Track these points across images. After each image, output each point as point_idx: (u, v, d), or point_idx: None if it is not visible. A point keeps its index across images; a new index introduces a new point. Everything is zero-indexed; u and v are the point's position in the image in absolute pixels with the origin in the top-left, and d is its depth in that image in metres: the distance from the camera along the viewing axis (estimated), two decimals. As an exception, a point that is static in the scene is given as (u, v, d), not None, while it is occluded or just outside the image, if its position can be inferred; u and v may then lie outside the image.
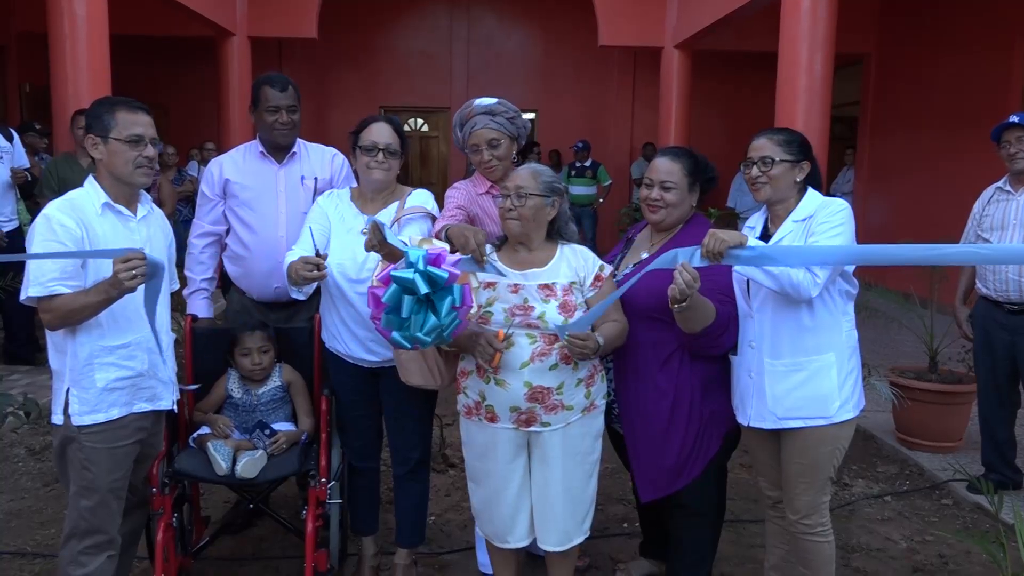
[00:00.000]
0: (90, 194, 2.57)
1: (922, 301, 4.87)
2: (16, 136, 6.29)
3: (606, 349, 2.69)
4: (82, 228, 2.47)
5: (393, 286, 2.41)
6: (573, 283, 2.72)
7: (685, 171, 2.84)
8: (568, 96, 13.81)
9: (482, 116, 3.05)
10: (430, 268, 2.38)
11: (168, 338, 2.76)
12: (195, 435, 3.11)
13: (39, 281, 2.43)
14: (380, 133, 3.01)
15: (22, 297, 2.48)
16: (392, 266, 2.48)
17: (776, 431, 2.70)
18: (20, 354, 6.20)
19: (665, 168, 2.85)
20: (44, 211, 2.51)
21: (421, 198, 3.10)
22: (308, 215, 3.14)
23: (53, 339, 2.57)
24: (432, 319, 2.42)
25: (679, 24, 10.22)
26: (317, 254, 2.74)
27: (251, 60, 10.45)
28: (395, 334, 2.46)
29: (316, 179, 3.38)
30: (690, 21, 9.72)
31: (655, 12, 10.56)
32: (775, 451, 2.77)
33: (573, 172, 11.99)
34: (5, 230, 5.84)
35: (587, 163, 12.00)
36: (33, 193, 6.09)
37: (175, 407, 2.79)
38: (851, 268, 2.63)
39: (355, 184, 3.42)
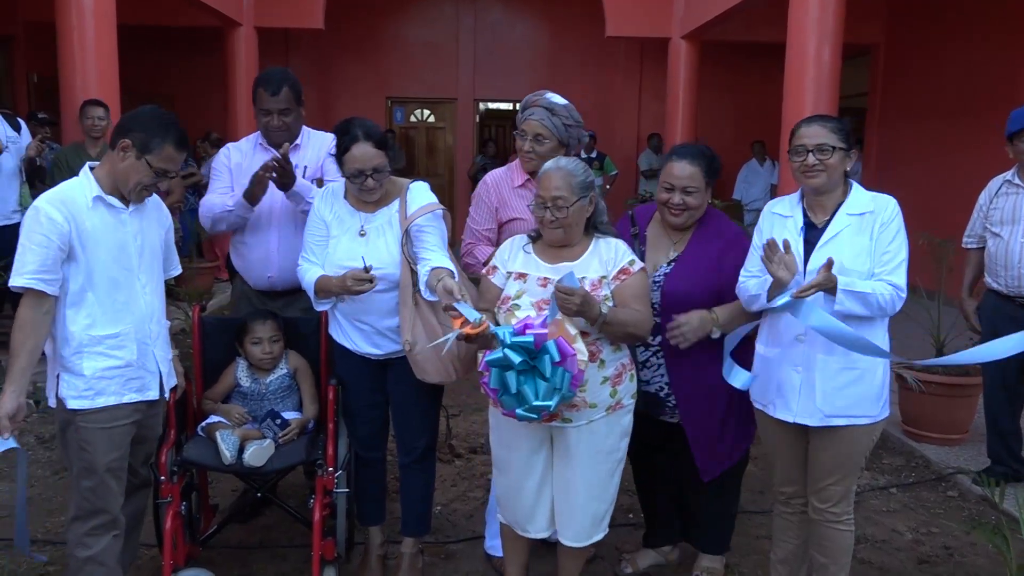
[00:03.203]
0: (83, 185, 2.57)
1: (929, 294, 4.87)
2: (24, 126, 6.31)
3: (612, 328, 2.62)
4: (70, 223, 2.50)
5: (493, 370, 2.50)
6: (603, 277, 2.69)
7: (703, 173, 2.89)
8: (575, 87, 13.70)
9: (542, 109, 3.05)
10: (515, 339, 2.45)
11: (159, 327, 2.76)
12: (203, 424, 3.13)
13: (20, 271, 2.47)
14: (363, 158, 2.86)
15: (9, 283, 2.52)
16: (487, 353, 2.55)
17: (804, 427, 2.69)
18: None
19: (687, 173, 2.87)
20: (35, 202, 2.55)
21: (422, 194, 3.04)
22: (307, 224, 3.10)
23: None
24: (542, 384, 2.47)
25: (686, 14, 10.17)
26: (366, 269, 2.79)
27: (258, 50, 10.44)
28: (519, 411, 2.51)
29: (305, 168, 3.37)
30: (697, 11, 9.68)
31: (662, 2, 10.52)
32: (802, 447, 2.75)
33: (580, 163, 11.94)
34: (11, 223, 5.82)
35: (593, 154, 11.96)
36: (42, 182, 6.11)
37: (165, 395, 2.79)
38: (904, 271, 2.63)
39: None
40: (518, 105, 3.21)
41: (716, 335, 2.84)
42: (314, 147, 3.47)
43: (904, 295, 2.59)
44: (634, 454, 3.18)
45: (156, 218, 2.78)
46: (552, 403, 2.48)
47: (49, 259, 2.47)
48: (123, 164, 2.56)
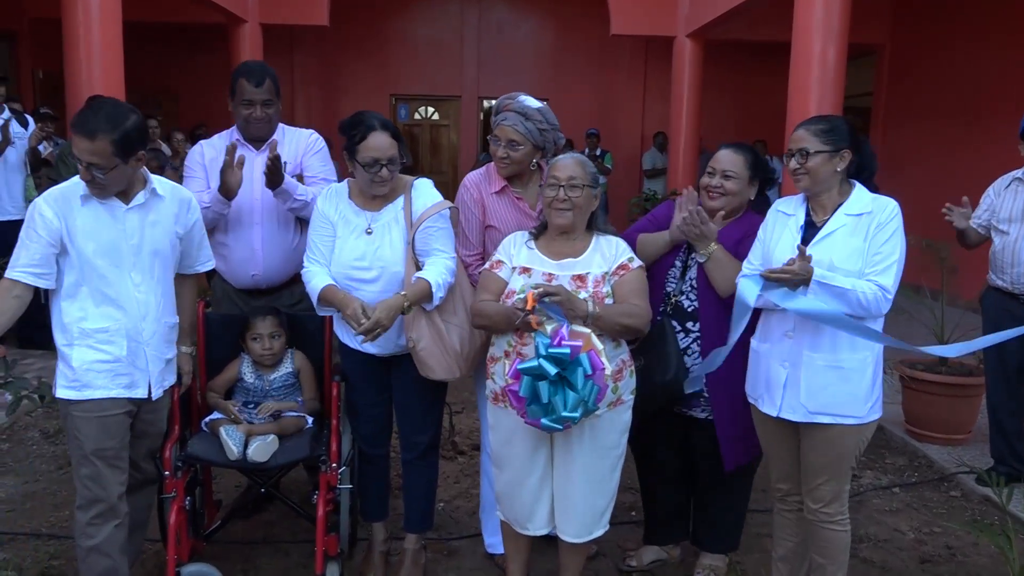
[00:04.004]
0: (80, 183, 2.60)
1: (932, 293, 4.87)
2: (31, 122, 6.34)
3: (605, 321, 2.64)
4: (61, 219, 2.56)
5: (525, 378, 2.50)
6: (605, 273, 2.73)
7: (746, 163, 2.94)
8: (579, 85, 13.76)
9: (514, 114, 3.03)
10: (551, 349, 2.46)
11: (155, 326, 2.73)
12: (207, 419, 3.14)
13: (13, 265, 2.56)
14: (379, 147, 2.85)
15: (5, 275, 2.59)
16: (517, 361, 2.56)
17: (795, 423, 2.70)
18: (34, 338, 6.25)
19: (728, 159, 2.94)
20: (36, 199, 2.64)
21: (427, 192, 3.03)
22: (310, 226, 3.08)
23: (50, 311, 2.66)
24: (572, 395, 2.48)
25: (691, 13, 10.17)
26: (364, 311, 2.79)
27: (263, 47, 10.46)
28: (544, 420, 2.52)
29: (285, 164, 3.33)
30: (702, 10, 9.67)
31: (667, 1, 10.51)
32: (794, 444, 2.76)
33: (583, 162, 11.93)
34: (15, 219, 5.83)
35: (597, 152, 11.96)
36: (41, 174, 6.15)
37: (154, 396, 2.76)
38: (899, 273, 2.61)
39: (325, 163, 3.45)
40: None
41: (701, 259, 2.90)
42: (292, 143, 3.45)
43: (891, 297, 2.56)
44: (640, 452, 3.20)
45: (173, 215, 2.76)
46: (578, 414, 2.51)
47: (39, 254, 2.55)
48: None
